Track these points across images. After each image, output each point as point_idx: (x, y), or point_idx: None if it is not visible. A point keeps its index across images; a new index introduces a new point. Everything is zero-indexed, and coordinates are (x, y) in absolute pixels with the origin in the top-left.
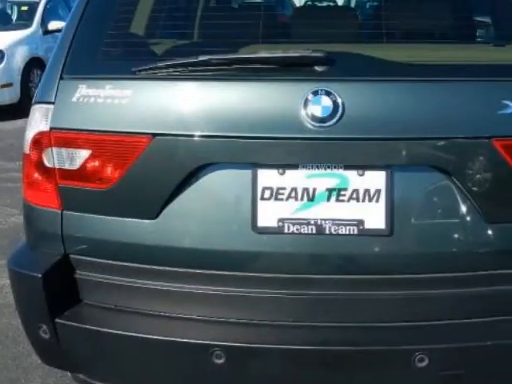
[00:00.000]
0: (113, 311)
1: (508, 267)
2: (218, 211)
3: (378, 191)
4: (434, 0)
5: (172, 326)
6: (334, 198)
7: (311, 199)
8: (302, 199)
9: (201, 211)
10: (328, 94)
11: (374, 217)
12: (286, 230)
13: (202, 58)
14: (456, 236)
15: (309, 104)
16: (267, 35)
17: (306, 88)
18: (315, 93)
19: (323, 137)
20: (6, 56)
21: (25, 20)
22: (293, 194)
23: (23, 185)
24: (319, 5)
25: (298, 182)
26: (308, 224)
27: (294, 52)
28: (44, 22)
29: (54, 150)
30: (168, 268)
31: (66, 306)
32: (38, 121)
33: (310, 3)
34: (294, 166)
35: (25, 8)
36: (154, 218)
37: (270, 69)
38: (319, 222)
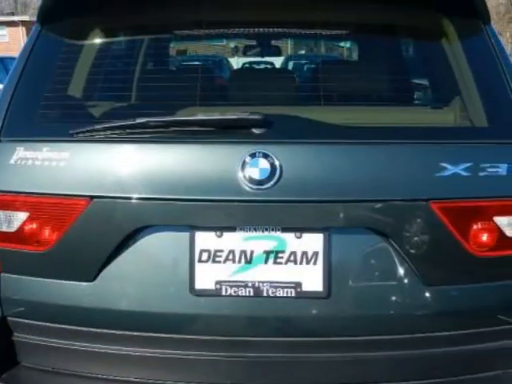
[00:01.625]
0: (50, 374)
1: (445, 329)
2: (156, 273)
3: (316, 254)
4: (371, 63)
5: None
6: (271, 260)
7: (249, 261)
8: (239, 261)
9: (138, 273)
10: (265, 156)
11: (312, 279)
12: (223, 293)
13: (139, 120)
14: (393, 298)
15: (246, 166)
16: (205, 98)
17: (243, 150)
18: (253, 155)
19: (261, 199)
20: None
21: None
22: (230, 257)
23: None
24: (257, 67)
25: (235, 244)
26: (246, 286)
27: (231, 114)
28: None
29: None
30: (105, 330)
31: (3, 369)
32: None
33: (247, 66)
34: (232, 229)
35: None
36: (91, 281)
37: (208, 131)
38: (257, 284)
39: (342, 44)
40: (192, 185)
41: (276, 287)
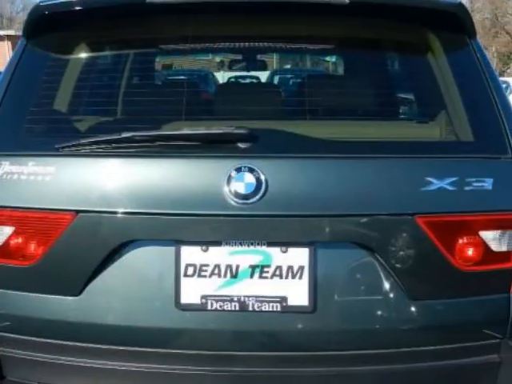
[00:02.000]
0: None
1: (431, 344)
2: (142, 288)
3: (302, 268)
4: (357, 77)
5: None
6: (257, 274)
7: (234, 276)
8: (225, 276)
9: (124, 288)
10: (251, 170)
11: (297, 293)
12: (209, 307)
13: (125, 134)
14: (379, 313)
15: (232, 181)
16: (190, 112)
17: (229, 165)
18: (238, 170)
19: (246, 214)
20: None
21: None
22: (216, 271)
23: None
24: (242, 82)
25: (221, 258)
26: (231, 301)
27: (216, 129)
28: None
29: None
30: (91, 345)
31: None
32: None
33: (233, 80)
34: (217, 243)
35: None
36: (77, 295)
37: (193, 146)
38: (242, 298)
39: (327, 58)
40: (177, 199)
41: (262, 302)
